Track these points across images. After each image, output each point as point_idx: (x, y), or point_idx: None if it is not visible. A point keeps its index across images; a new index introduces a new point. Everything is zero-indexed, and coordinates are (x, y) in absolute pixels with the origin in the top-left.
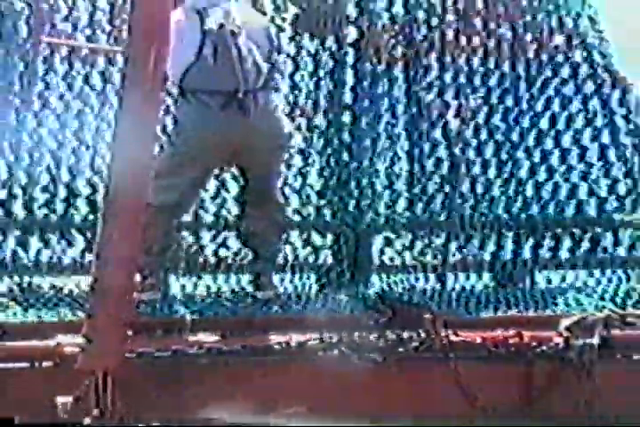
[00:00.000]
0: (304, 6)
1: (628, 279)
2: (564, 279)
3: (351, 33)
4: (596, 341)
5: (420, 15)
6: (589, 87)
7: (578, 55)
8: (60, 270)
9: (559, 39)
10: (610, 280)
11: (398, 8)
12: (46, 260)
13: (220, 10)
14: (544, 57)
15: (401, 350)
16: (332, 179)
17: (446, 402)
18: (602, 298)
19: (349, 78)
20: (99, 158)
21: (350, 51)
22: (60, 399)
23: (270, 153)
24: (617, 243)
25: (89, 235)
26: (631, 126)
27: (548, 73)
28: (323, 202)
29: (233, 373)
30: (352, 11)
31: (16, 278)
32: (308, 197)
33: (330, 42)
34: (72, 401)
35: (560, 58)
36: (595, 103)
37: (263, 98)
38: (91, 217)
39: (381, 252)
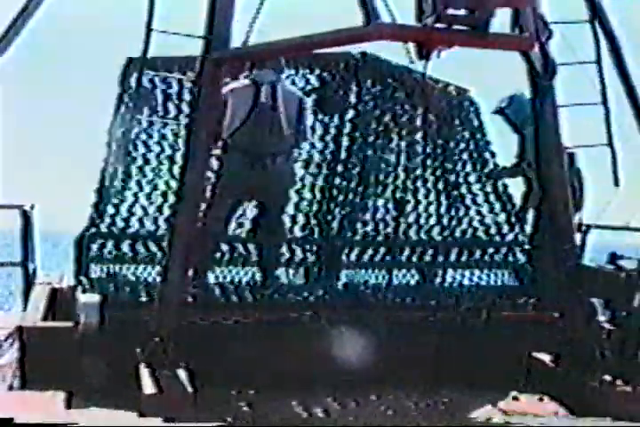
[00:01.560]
0: (323, 94)
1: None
2: (464, 276)
3: (350, 113)
4: (484, 316)
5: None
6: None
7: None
8: (139, 262)
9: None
10: (492, 277)
11: (380, 99)
12: (130, 256)
13: (268, 88)
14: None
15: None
16: (320, 209)
17: (392, 353)
18: (488, 289)
19: (345, 142)
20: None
21: (348, 124)
22: (137, 350)
23: (279, 195)
24: (497, 252)
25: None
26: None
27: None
28: (312, 223)
29: (250, 336)
30: (353, 99)
31: (110, 268)
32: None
33: (335, 118)
34: (147, 352)
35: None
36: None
37: (281, 159)
38: (161, 231)
39: (348, 257)
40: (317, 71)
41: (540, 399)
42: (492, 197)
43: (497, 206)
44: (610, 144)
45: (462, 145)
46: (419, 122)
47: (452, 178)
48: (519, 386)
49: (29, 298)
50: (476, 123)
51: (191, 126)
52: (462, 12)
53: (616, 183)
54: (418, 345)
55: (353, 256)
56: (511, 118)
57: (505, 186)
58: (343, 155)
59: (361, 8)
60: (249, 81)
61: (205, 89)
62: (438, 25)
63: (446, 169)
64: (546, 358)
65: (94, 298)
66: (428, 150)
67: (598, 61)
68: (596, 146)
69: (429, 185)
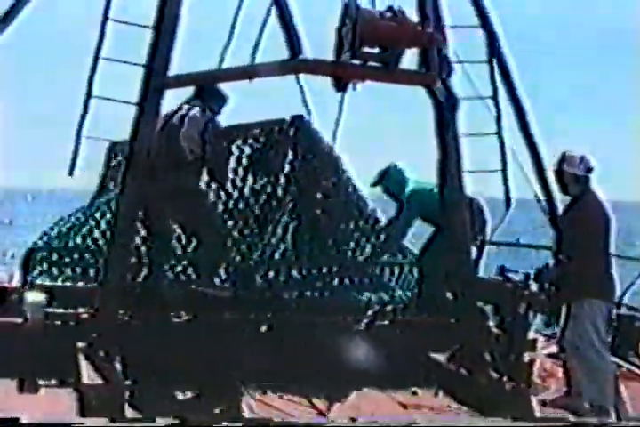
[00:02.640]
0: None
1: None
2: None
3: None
4: (388, 321)
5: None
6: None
7: None
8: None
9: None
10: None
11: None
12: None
13: (179, 115)
14: None
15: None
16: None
17: (302, 353)
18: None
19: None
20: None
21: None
22: (79, 344)
23: (178, 207)
24: (392, 273)
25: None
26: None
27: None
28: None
29: (178, 331)
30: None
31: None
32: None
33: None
34: (86, 345)
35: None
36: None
37: (177, 172)
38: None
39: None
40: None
41: (436, 394)
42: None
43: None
44: (503, 170)
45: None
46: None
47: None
48: (418, 382)
49: None
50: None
51: (132, 148)
52: (376, 50)
53: (507, 206)
54: (326, 345)
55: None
56: (389, 189)
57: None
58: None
59: (287, 43)
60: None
61: (146, 114)
62: (354, 61)
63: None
64: (442, 358)
65: (40, 297)
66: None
67: (495, 97)
68: (493, 171)
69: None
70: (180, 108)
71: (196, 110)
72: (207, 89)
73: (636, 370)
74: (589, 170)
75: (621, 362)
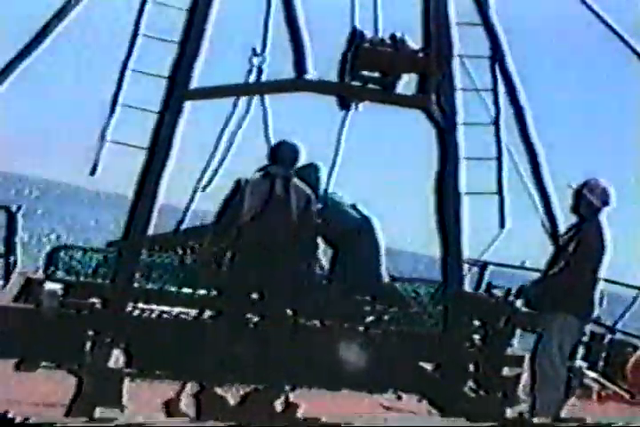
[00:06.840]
0: None
1: None
2: None
3: None
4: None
5: None
6: None
7: None
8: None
9: None
10: None
11: None
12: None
13: (282, 181)
14: None
15: None
16: None
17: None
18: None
19: None
20: None
21: None
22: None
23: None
24: None
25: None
26: None
27: None
28: None
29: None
30: None
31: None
32: None
33: None
34: (95, 333)
35: None
36: None
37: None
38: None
39: None
40: None
41: (419, 400)
42: None
43: None
44: (500, 193)
45: None
46: None
47: None
48: (404, 387)
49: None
50: None
51: (152, 154)
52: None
53: (502, 225)
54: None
55: None
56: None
57: None
58: None
59: (294, 65)
60: (263, 173)
61: (168, 121)
62: (354, 83)
63: None
64: (428, 366)
65: (57, 287)
66: None
67: (496, 123)
68: (487, 193)
69: None
70: (272, 178)
71: (295, 181)
72: (284, 152)
73: (620, 391)
74: (605, 203)
75: (608, 384)
